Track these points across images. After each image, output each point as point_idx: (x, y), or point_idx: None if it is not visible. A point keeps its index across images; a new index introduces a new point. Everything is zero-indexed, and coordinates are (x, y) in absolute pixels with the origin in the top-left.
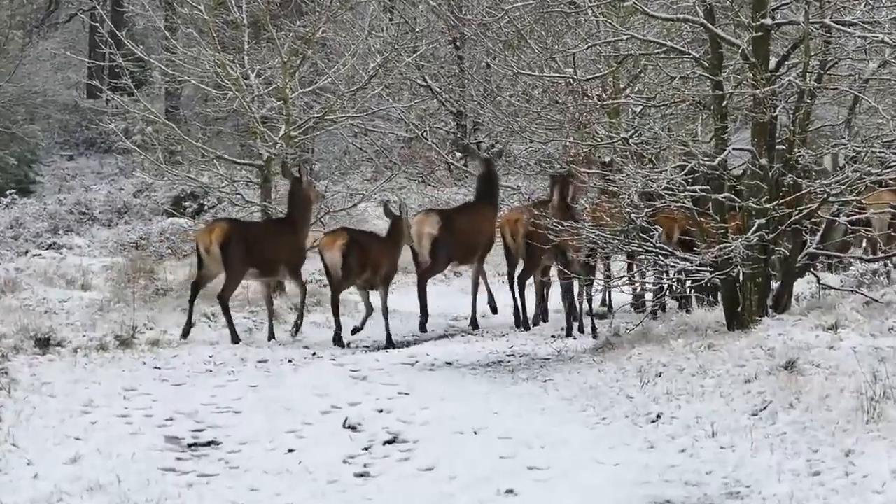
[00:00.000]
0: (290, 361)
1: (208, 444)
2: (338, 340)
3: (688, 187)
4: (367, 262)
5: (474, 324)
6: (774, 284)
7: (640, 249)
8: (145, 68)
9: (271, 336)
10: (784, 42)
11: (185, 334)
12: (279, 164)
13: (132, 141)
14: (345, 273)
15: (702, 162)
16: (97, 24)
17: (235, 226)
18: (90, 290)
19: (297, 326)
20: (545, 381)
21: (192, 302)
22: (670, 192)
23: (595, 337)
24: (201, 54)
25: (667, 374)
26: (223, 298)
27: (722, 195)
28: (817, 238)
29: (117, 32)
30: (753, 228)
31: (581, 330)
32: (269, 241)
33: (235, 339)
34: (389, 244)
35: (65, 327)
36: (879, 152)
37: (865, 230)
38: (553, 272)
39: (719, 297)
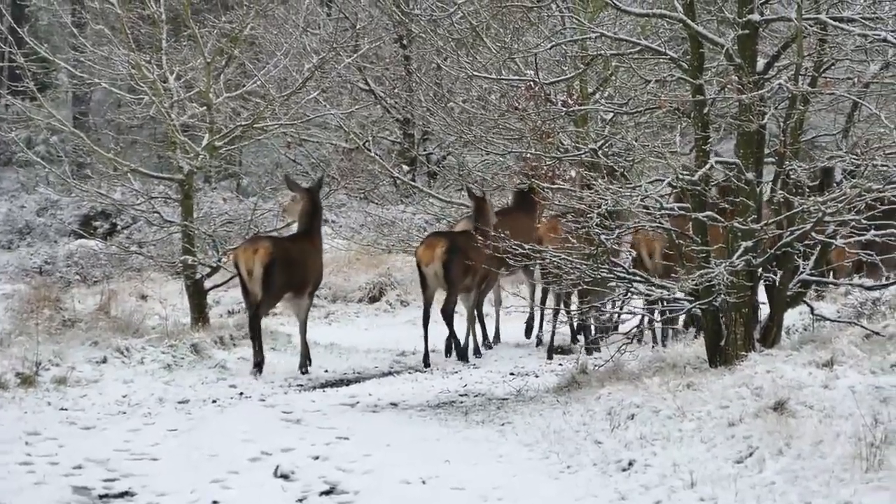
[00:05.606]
0: (214, 402)
1: (122, 495)
2: (460, 353)
3: (665, 206)
4: (469, 266)
5: (473, 351)
6: (762, 315)
7: (610, 276)
8: (50, 69)
9: (260, 368)
10: (774, 41)
11: (259, 366)
12: (282, 175)
13: (35, 152)
14: (452, 283)
15: (680, 176)
16: None
17: (277, 244)
18: None
19: (306, 358)
20: (503, 425)
21: (256, 333)
22: (645, 211)
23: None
24: (113, 53)
25: (640, 416)
26: (257, 317)
27: (703, 214)
28: (811, 263)
29: (18, 29)
30: (739, 252)
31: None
32: (303, 260)
33: (256, 366)
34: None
35: None
36: (881, 166)
37: (866, 254)
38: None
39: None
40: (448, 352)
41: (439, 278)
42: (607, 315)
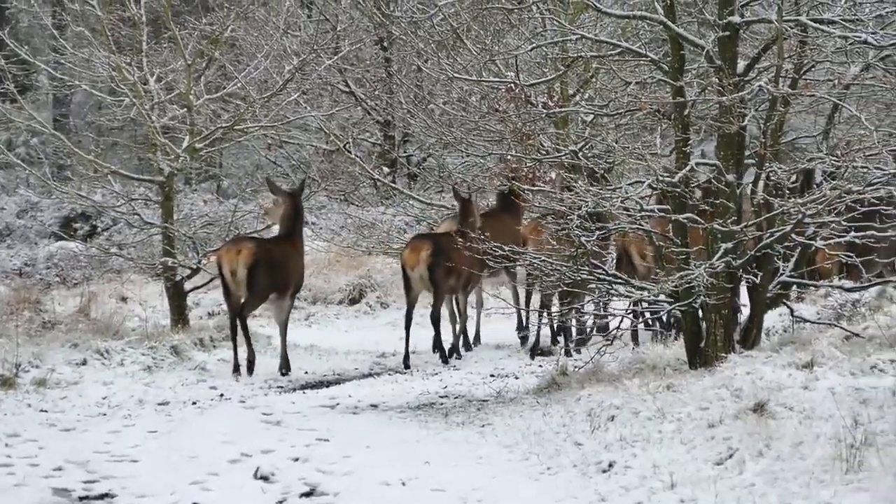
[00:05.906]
0: (194, 404)
1: (102, 497)
2: (443, 355)
3: (645, 207)
4: (453, 268)
5: (458, 349)
6: (742, 317)
7: (590, 278)
8: (30, 71)
9: (251, 368)
10: (754, 43)
11: (250, 364)
12: (263, 178)
13: (15, 154)
14: (437, 285)
15: (660, 178)
16: None
17: (260, 246)
18: None
19: (286, 360)
20: (483, 426)
21: (241, 332)
22: (626, 213)
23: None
24: (94, 56)
25: (620, 417)
26: (243, 318)
27: (684, 216)
28: (791, 265)
29: None
30: (719, 253)
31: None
32: (285, 262)
33: (248, 364)
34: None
35: None
36: (861, 167)
37: (846, 255)
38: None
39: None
40: (435, 348)
41: (424, 281)
42: (589, 318)
